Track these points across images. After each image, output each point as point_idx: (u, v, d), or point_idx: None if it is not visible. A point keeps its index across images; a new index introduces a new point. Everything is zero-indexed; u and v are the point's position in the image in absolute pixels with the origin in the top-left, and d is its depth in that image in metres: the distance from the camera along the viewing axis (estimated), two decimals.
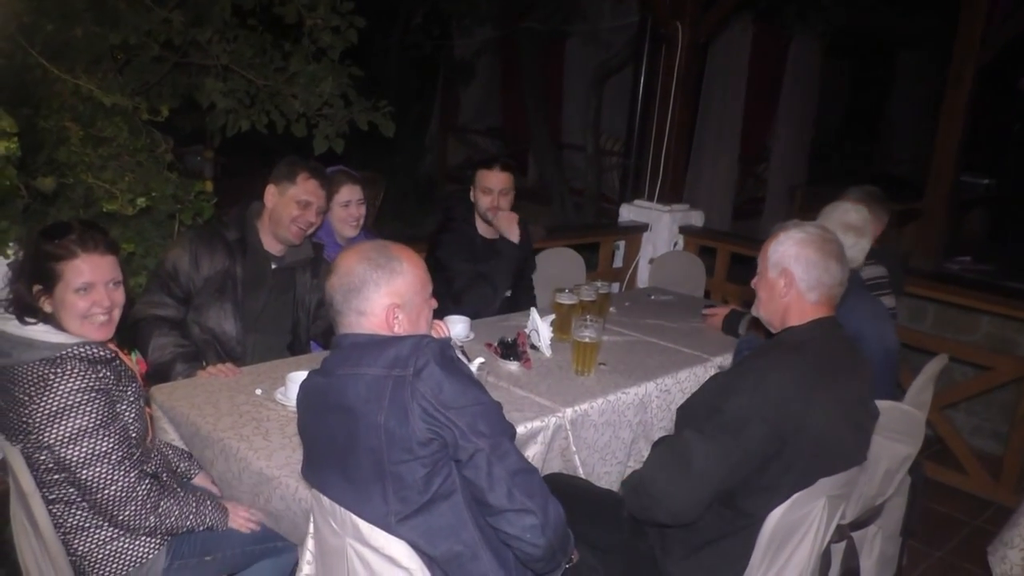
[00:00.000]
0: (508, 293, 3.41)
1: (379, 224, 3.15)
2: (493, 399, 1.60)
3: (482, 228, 3.35)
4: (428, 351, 1.53)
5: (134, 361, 2.01)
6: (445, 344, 1.58)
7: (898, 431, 2.13)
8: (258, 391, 2.31)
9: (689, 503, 1.77)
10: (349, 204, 3.06)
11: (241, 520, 1.99)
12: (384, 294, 1.61)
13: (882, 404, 2.04)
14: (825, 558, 1.95)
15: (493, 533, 1.60)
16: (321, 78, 3.66)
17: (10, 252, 2.61)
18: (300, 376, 2.23)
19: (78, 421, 1.73)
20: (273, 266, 2.75)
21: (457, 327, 2.78)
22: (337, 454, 1.58)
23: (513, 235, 3.26)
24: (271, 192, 2.70)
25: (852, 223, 2.61)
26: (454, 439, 1.52)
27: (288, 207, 2.66)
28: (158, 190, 2.91)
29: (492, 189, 3.26)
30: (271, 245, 2.74)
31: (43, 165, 2.87)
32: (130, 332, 2.47)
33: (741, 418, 1.73)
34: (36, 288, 1.79)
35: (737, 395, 1.77)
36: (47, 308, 1.79)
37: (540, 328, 2.76)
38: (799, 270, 1.89)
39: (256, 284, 2.71)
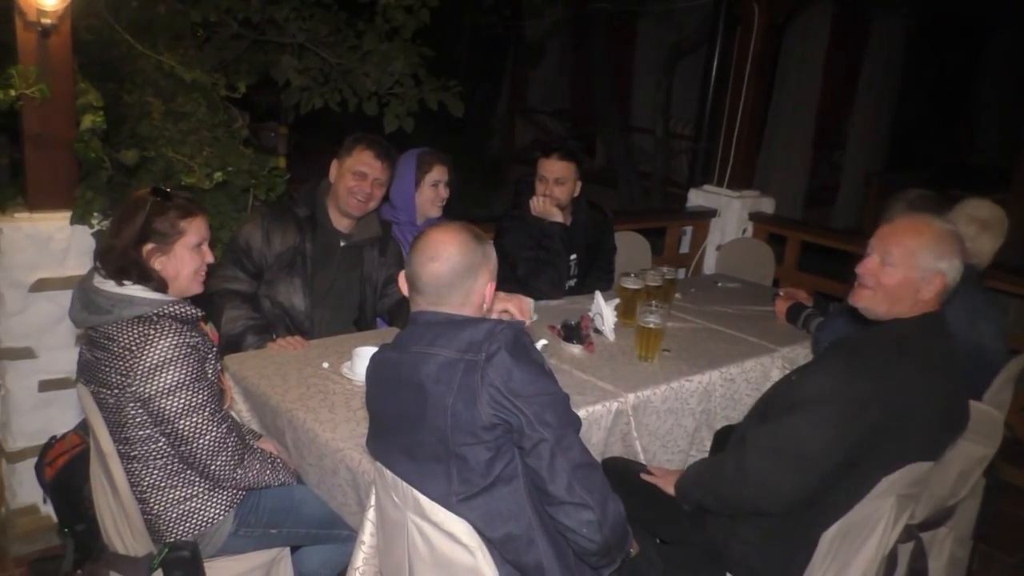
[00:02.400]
0: (573, 281, 3.39)
1: (446, 204, 3.16)
2: (562, 390, 1.60)
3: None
4: (501, 337, 1.53)
5: (211, 330, 2.08)
6: (519, 331, 1.58)
7: (974, 431, 2.06)
8: (325, 364, 2.36)
9: (799, 490, 1.76)
10: (438, 185, 3.09)
11: None
12: (487, 277, 1.64)
13: None
14: (892, 558, 1.91)
15: (551, 521, 1.60)
16: (393, 57, 3.69)
17: (94, 222, 2.72)
18: (367, 351, 2.28)
19: (176, 374, 1.81)
20: (342, 243, 2.80)
21: None
22: (404, 430, 1.60)
23: (554, 218, 3.23)
24: (334, 167, 2.76)
25: (979, 217, 2.54)
26: (520, 426, 1.52)
27: (345, 178, 2.71)
28: (234, 165, 2.98)
29: (546, 177, 3.23)
30: (339, 222, 2.79)
31: (126, 138, 2.97)
32: (204, 304, 2.55)
33: (862, 401, 1.71)
34: (149, 247, 1.87)
35: (861, 378, 1.73)
36: (157, 266, 1.87)
37: (604, 312, 2.75)
38: (952, 274, 1.83)
39: (325, 260, 2.76)
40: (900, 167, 9.61)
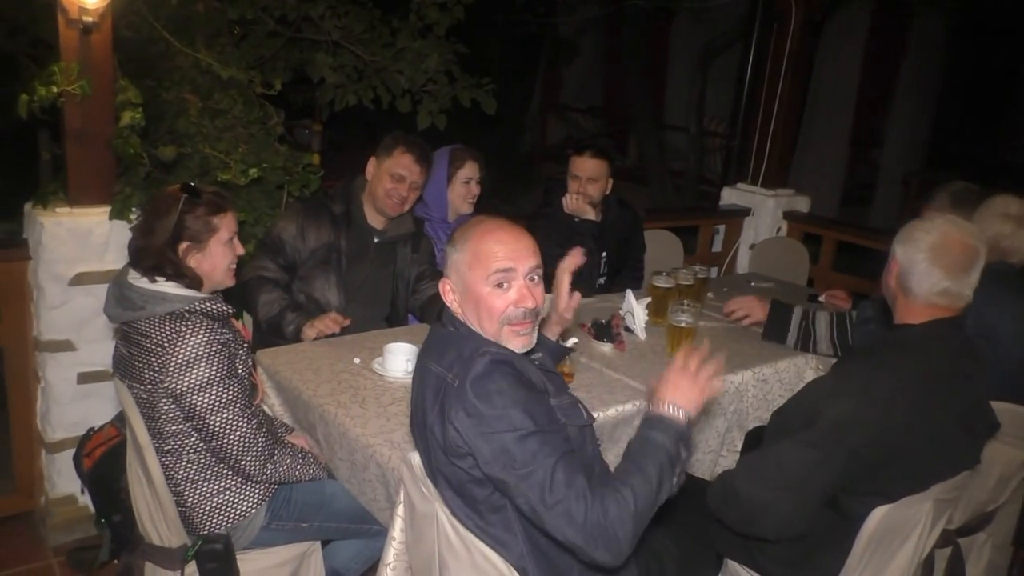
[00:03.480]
0: (602, 279, 3.38)
1: (478, 201, 3.17)
2: (536, 424, 1.43)
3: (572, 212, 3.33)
4: (479, 363, 1.45)
5: (241, 326, 2.11)
6: (497, 359, 1.47)
7: (1015, 435, 2.02)
8: (356, 360, 2.38)
9: (794, 516, 1.66)
10: (470, 181, 3.10)
11: None
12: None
13: (998, 406, 1.94)
14: (928, 563, 1.87)
15: (547, 547, 1.52)
16: (427, 54, 3.70)
17: (132, 217, 2.76)
18: (397, 347, 2.30)
19: (207, 371, 1.83)
20: (375, 240, 2.82)
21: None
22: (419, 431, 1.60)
23: (586, 216, 3.22)
24: (371, 165, 2.78)
25: (1012, 213, 2.46)
26: (482, 464, 1.44)
27: (383, 179, 2.73)
28: (269, 161, 3.01)
29: (579, 176, 3.23)
30: (374, 219, 2.81)
31: (164, 135, 3.01)
32: (238, 293, 2.58)
33: (843, 423, 1.64)
34: (184, 245, 1.90)
35: (840, 399, 1.67)
36: (193, 264, 1.91)
37: (635, 310, 2.73)
38: (905, 263, 1.77)
39: (359, 257, 2.78)
40: (940, 166, 9.43)
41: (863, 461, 1.65)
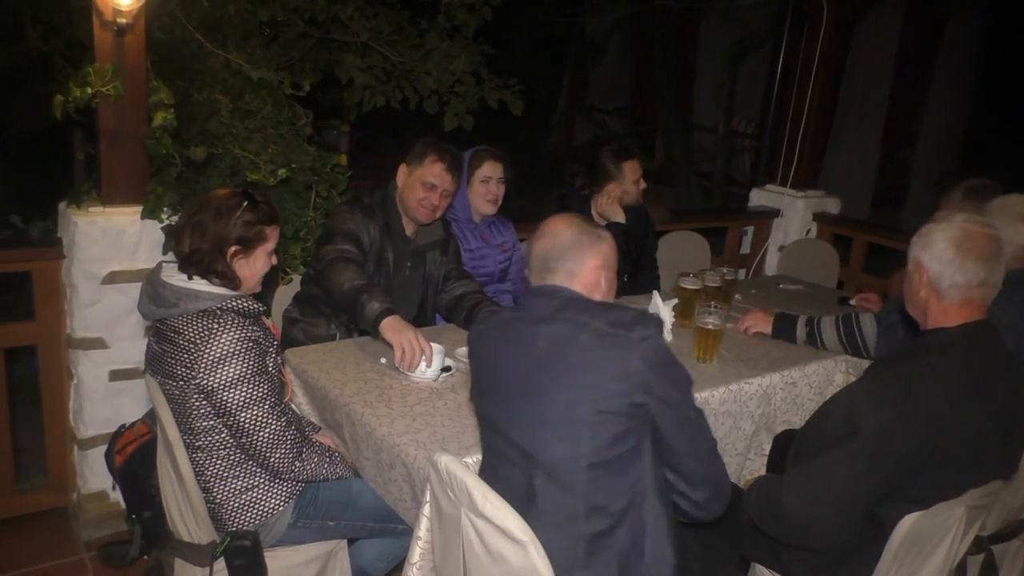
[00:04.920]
0: (623, 277, 3.37)
1: (505, 201, 3.16)
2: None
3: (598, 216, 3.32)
4: (652, 327, 1.58)
5: (272, 324, 2.13)
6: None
7: None
8: (383, 360, 2.39)
9: (844, 528, 1.68)
10: (489, 181, 3.08)
11: None
12: (595, 262, 1.68)
13: None
14: (961, 569, 1.84)
15: (649, 504, 1.62)
16: (455, 56, 3.71)
17: (164, 216, 2.79)
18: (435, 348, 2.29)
19: (238, 368, 1.85)
20: (410, 248, 2.82)
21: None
22: (532, 391, 1.61)
23: (616, 218, 3.22)
24: (402, 172, 2.76)
25: None
26: (658, 410, 1.55)
27: (414, 188, 2.71)
28: (298, 162, 3.03)
29: (634, 178, 3.31)
30: (406, 226, 2.80)
31: (195, 135, 3.04)
32: (320, 274, 2.56)
33: (888, 431, 1.62)
34: (233, 249, 1.93)
35: (881, 408, 1.64)
36: (236, 268, 1.94)
37: (662, 312, 2.70)
38: (933, 266, 1.73)
39: (398, 264, 2.79)
40: (974, 166, 9.27)
41: (909, 468, 1.63)
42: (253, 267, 1.98)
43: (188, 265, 1.92)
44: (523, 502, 1.59)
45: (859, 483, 1.64)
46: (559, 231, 1.70)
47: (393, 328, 2.29)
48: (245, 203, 1.93)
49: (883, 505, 1.69)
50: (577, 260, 1.67)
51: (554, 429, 1.57)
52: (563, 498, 1.58)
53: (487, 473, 1.72)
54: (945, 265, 1.71)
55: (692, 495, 1.65)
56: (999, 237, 1.72)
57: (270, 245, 2.00)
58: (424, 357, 2.26)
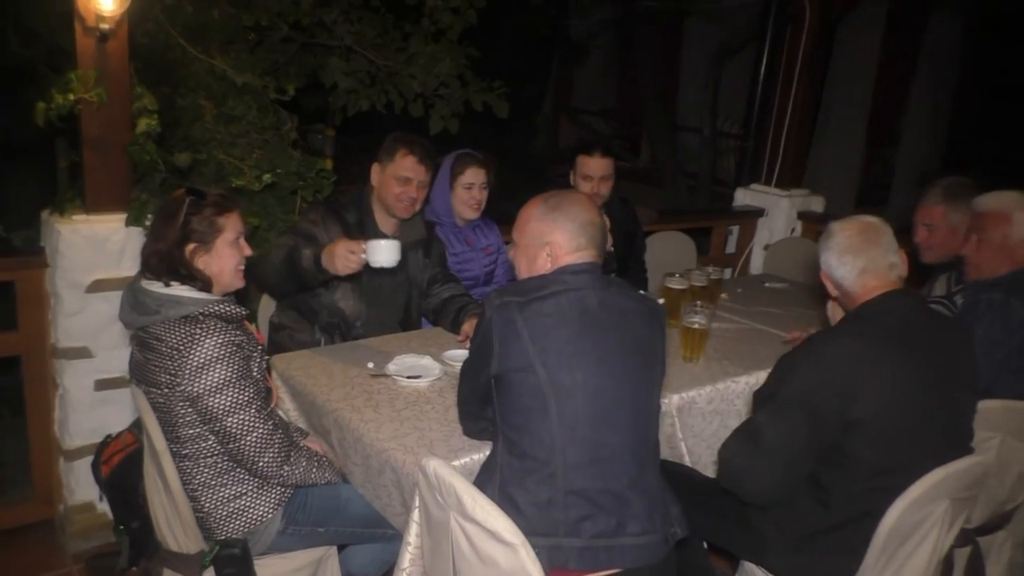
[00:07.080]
0: (612, 275, 3.38)
1: (489, 203, 3.16)
2: None
3: None
4: None
5: (255, 329, 2.11)
6: None
7: None
8: (370, 364, 2.39)
9: (767, 481, 1.82)
10: (472, 187, 3.08)
11: None
12: None
13: (1016, 404, 1.92)
14: (947, 562, 1.86)
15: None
16: (439, 59, 3.71)
17: (147, 224, 2.77)
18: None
19: (222, 372, 1.84)
20: None
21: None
22: (620, 351, 1.75)
23: None
24: (375, 171, 2.75)
25: None
26: None
27: (390, 184, 2.70)
28: (282, 167, 3.02)
29: (592, 176, 3.20)
30: (385, 224, 2.80)
31: (180, 141, 3.03)
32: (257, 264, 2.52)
33: (802, 390, 1.77)
34: (191, 247, 1.91)
35: (798, 369, 1.81)
36: (200, 265, 1.92)
37: None
38: (829, 270, 1.94)
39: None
40: (957, 165, 9.35)
41: (829, 425, 1.74)
42: (220, 261, 1.95)
43: (150, 271, 1.90)
44: None
45: (783, 439, 1.78)
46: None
47: (329, 253, 2.37)
48: (189, 199, 1.91)
49: (825, 468, 1.78)
50: None
51: None
52: None
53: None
54: (833, 269, 1.92)
55: None
56: (876, 224, 1.94)
57: (229, 235, 1.95)
58: (363, 248, 2.34)
